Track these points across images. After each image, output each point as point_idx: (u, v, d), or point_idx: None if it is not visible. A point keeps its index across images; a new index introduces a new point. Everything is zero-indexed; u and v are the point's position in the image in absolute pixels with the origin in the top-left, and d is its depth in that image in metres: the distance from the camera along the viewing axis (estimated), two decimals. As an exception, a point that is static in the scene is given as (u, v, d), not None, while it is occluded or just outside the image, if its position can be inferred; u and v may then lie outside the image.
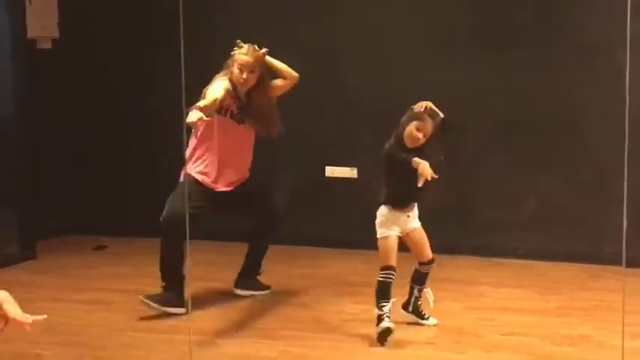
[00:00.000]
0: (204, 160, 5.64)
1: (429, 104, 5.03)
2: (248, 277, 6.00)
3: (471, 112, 6.84)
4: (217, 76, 5.58)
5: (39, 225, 7.29)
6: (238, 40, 5.58)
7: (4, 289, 6.09)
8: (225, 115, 5.58)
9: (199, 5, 7.09)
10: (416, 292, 5.28)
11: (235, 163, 5.71)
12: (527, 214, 6.90)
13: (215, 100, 5.24)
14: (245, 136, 5.74)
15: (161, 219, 5.46)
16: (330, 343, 5.02)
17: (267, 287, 6.05)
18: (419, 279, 5.27)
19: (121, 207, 7.83)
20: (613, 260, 6.32)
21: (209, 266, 6.38)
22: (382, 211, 5.08)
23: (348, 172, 7.29)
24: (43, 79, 7.43)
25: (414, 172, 4.84)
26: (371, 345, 4.98)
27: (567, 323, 5.36)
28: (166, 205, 5.49)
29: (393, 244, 5.06)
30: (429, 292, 5.26)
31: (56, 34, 7.66)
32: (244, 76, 5.52)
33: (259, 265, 6.03)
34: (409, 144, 4.96)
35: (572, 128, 6.79)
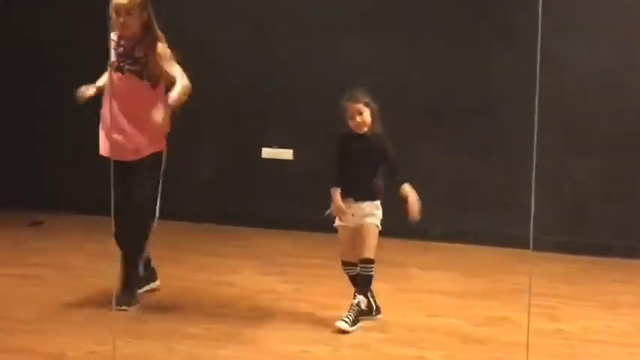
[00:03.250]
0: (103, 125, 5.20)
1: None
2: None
3: (396, 94, 6.98)
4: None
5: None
6: None
7: None
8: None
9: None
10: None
11: (128, 125, 5.10)
12: (456, 197, 7.05)
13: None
14: (136, 91, 5.10)
15: None
16: (255, 322, 5.09)
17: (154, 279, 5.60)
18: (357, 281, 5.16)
19: (59, 182, 7.78)
20: (540, 246, 6.53)
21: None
22: None
23: (285, 154, 7.37)
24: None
25: (360, 165, 4.96)
26: (290, 321, 5.08)
27: (489, 306, 5.51)
28: None
29: (342, 235, 5.12)
30: (361, 300, 5.06)
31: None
32: (121, 19, 5.00)
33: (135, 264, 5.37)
34: (359, 129, 5.01)
35: (495, 113, 6.96)
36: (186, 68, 6.64)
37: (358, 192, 5.03)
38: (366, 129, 4.98)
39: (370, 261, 5.04)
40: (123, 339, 4.60)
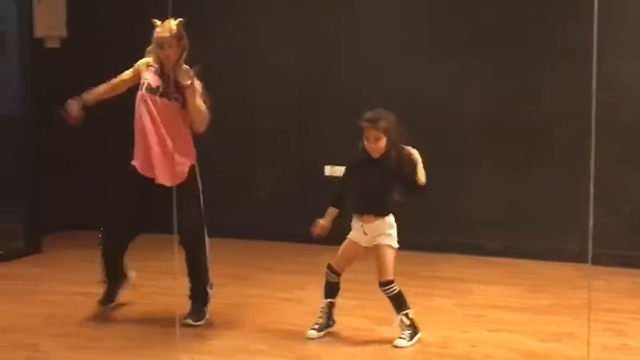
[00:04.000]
0: (137, 144, 5.41)
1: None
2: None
3: (454, 115, 7.07)
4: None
5: (46, 220, 7.44)
6: (154, 20, 5.39)
7: (8, 282, 6.33)
8: (142, 90, 5.32)
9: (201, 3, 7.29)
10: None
11: (166, 147, 5.30)
12: (514, 212, 7.03)
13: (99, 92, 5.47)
14: (171, 114, 5.30)
15: None
16: (320, 337, 5.14)
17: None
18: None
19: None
20: (603, 261, 6.50)
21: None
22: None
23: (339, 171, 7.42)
24: (51, 78, 7.56)
25: (373, 184, 4.98)
26: (352, 337, 5.11)
27: (555, 321, 5.48)
28: None
29: (346, 247, 5.15)
30: (402, 317, 5.07)
31: (64, 33, 7.81)
32: (165, 52, 5.27)
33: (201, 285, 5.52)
34: (372, 155, 5.01)
35: (551, 130, 6.93)
36: (250, 88, 6.76)
37: (368, 208, 5.04)
38: (378, 155, 4.97)
39: (391, 282, 5.04)
40: (188, 355, 4.70)
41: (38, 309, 5.73)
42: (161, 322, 5.35)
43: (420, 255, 6.97)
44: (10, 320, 5.51)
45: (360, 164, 5.04)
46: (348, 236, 5.13)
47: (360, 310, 5.63)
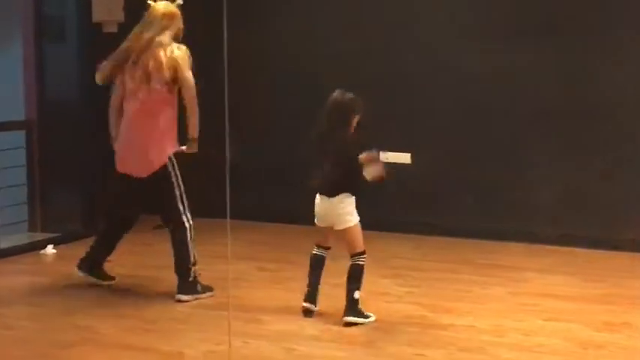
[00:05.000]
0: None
1: None
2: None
3: (510, 98, 7.01)
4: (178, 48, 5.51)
5: (101, 204, 7.51)
6: (148, 1, 5.58)
7: (65, 264, 6.41)
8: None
9: None
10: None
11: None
12: (572, 200, 6.94)
13: None
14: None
15: None
16: (370, 323, 5.14)
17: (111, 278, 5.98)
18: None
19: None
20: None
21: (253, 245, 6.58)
22: (350, 200, 5.21)
23: (403, 157, 7.37)
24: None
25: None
26: (404, 324, 5.11)
27: (610, 311, 5.41)
28: None
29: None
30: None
31: (122, 18, 7.86)
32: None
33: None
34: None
35: (613, 114, 6.83)
36: (312, 74, 6.72)
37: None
38: None
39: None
40: (240, 339, 4.73)
41: (93, 291, 5.81)
42: (213, 306, 5.41)
43: (476, 242, 6.95)
44: (65, 302, 5.59)
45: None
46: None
47: (411, 297, 5.61)
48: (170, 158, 5.59)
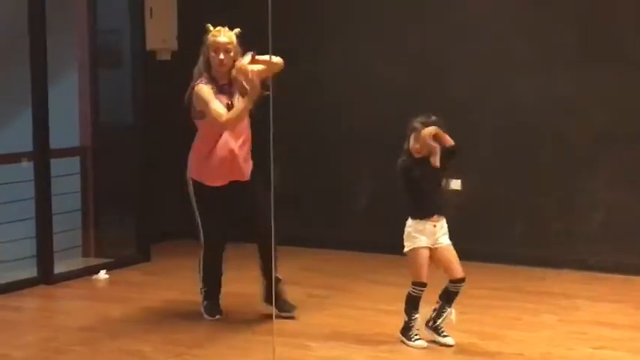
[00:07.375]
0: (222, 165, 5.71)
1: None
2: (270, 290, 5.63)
3: (560, 123, 6.96)
4: (199, 83, 5.53)
5: (155, 229, 7.62)
6: (207, 25, 5.57)
7: (117, 289, 6.50)
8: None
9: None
10: (441, 309, 5.21)
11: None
12: (623, 226, 6.85)
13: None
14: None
15: None
16: (420, 349, 5.14)
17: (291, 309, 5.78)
18: (446, 297, 5.23)
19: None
20: None
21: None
22: (408, 223, 5.19)
23: (453, 184, 7.37)
24: (162, 90, 7.71)
25: (431, 182, 5.10)
26: (453, 351, 5.11)
27: (662, 340, 5.34)
28: None
29: (423, 257, 5.16)
30: (452, 313, 5.18)
31: (175, 46, 8.00)
32: (221, 56, 5.48)
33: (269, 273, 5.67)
34: (414, 154, 5.15)
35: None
36: (354, 98, 6.72)
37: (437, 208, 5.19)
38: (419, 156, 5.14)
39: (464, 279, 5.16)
40: (287, 365, 4.76)
41: (144, 315, 5.88)
42: (261, 332, 5.43)
43: (527, 270, 6.89)
44: (116, 326, 5.67)
45: (413, 167, 5.14)
46: (417, 245, 5.15)
47: (460, 324, 5.57)
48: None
